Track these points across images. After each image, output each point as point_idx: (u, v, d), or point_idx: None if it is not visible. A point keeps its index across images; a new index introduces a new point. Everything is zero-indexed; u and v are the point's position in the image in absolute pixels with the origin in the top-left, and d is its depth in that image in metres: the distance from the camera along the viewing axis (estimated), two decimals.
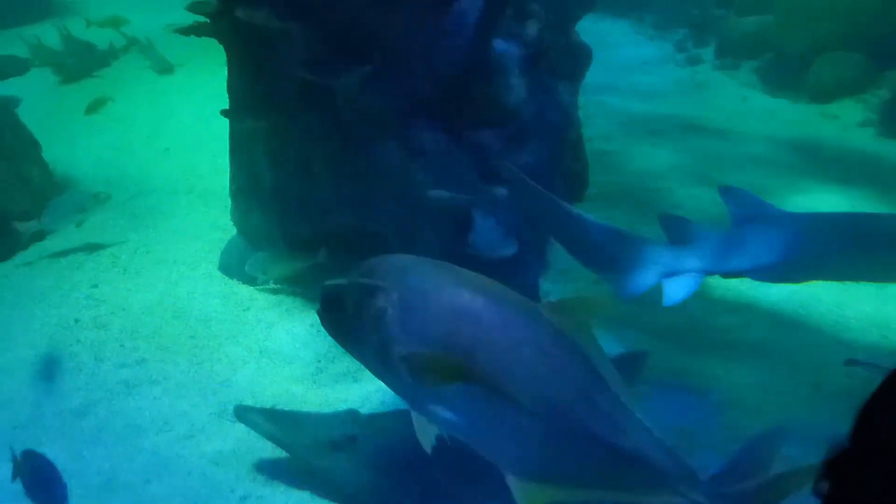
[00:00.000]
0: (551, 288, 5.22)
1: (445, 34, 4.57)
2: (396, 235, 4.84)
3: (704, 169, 6.68)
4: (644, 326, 4.89)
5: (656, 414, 2.81)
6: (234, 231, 5.70)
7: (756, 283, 4.18)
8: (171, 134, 7.53)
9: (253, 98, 5.09)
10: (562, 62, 5.95)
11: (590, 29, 6.28)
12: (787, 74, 8.11)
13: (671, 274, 4.03)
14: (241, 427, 4.04)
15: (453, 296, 2.75)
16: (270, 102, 4.97)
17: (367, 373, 3.03)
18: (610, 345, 4.54)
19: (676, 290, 3.98)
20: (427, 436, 2.82)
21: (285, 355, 4.75)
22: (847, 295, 5.09)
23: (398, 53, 4.50)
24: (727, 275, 4.11)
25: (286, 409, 4.25)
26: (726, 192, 4.04)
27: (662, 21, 9.36)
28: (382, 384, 2.98)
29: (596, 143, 6.77)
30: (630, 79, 8.07)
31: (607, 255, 4.14)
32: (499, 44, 5.05)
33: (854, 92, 7.72)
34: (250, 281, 5.42)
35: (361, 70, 4.46)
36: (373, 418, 4.07)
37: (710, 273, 4.08)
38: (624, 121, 7.35)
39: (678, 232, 4.07)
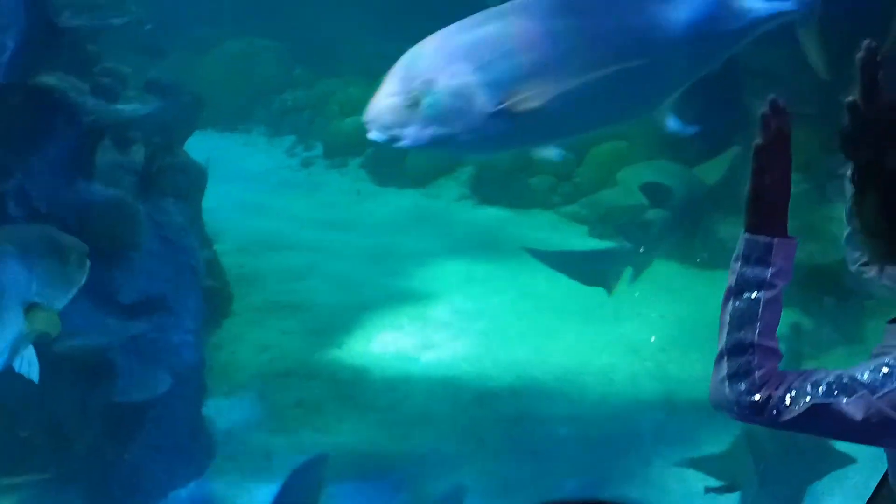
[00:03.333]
0: None
1: None
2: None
3: (345, 267, 6.85)
4: None
5: None
6: None
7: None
8: None
9: None
10: (177, 183, 5.79)
11: (200, 147, 6.21)
12: (389, 165, 8.86)
13: None
14: None
15: None
16: None
17: None
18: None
19: None
20: None
21: None
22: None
23: None
24: None
25: None
26: None
27: (272, 131, 9.62)
28: None
29: (233, 257, 6.66)
30: (254, 188, 8.12)
31: None
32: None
33: (447, 172, 8.77)
34: None
35: None
36: None
37: None
38: (256, 231, 7.32)
39: None
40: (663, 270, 6.56)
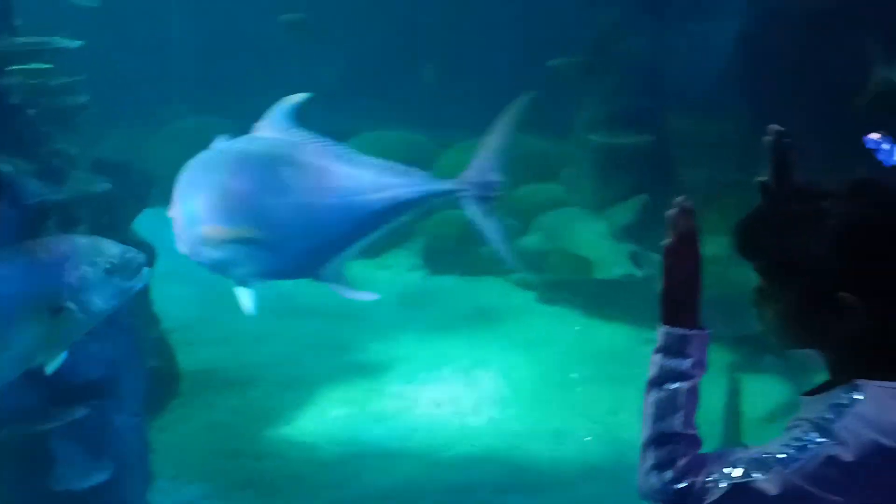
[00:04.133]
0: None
1: None
2: None
3: (296, 343, 6.77)
4: None
5: None
6: None
7: None
8: None
9: None
10: None
11: (150, 224, 6.15)
12: None
13: None
14: None
15: None
16: None
17: None
18: None
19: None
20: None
21: None
22: None
23: None
24: None
25: None
26: None
27: None
28: None
29: (181, 335, 6.56)
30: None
31: None
32: None
33: (398, 244, 8.84)
34: None
35: None
36: None
37: None
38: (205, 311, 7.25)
39: None
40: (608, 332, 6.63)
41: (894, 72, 5.93)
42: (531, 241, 7.81)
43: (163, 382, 5.57)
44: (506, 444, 5.41)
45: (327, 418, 5.76)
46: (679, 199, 1.82)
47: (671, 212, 1.79)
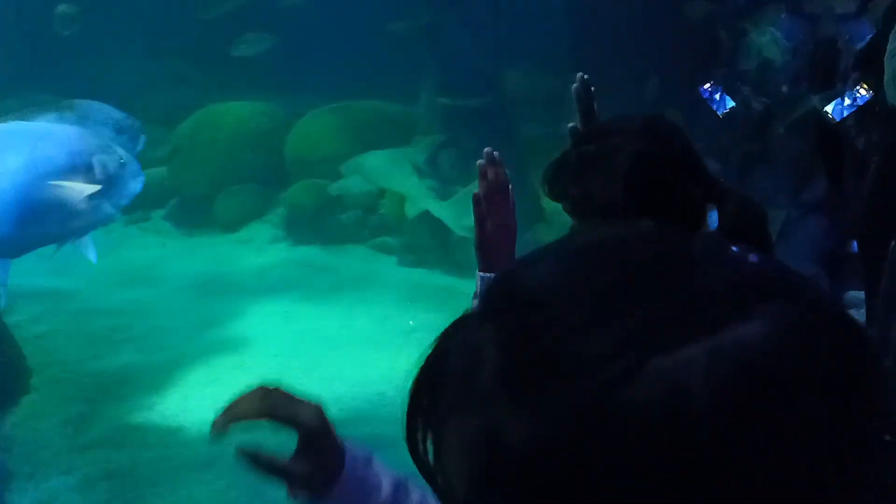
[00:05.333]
0: None
1: None
2: None
3: (154, 326, 6.60)
4: None
5: None
6: None
7: None
8: None
9: None
10: None
11: None
12: (196, 214, 8.80)
13: None
14: None
15: None
16: None
17: None
18: None
19: None
20: None
21: None
22: None
23: None
24: None
25: None
26: None
27: None
28: None
29: (29, 328, 6.29)
30: (48, 250, 7.70)
31: None
32: None
33: (258, 216, 8.81)
34: None
35: None
36: None
37: None
38: (52, 297, 6.95)
39: None
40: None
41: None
42: (352, 182, 7.86)
43: (11, 378, 5.34)
44: (372, 404, 5.45)
45: (190, 399, 5.64)
46: (487, 149, 1.86)
47: (480, 162, 1.83)
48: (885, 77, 3.75)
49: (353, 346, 6.29)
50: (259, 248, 8.46)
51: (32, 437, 5.19)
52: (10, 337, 5.58)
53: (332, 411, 1.33)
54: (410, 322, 6.49)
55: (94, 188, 4.43)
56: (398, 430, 0.73)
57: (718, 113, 5.96)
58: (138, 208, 8.83)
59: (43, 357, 5.84)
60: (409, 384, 0.69)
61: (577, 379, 0.59)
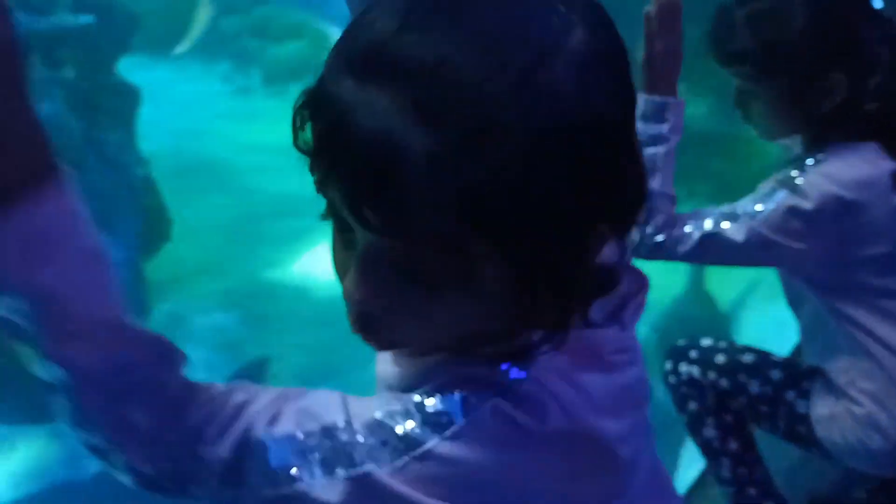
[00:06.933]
0: None
1: None
2: None
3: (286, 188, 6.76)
4: None
5: None
6: None
7: None
8: None
9: None
10: (111, 103, 5.65)
11: (132, 71, 6.04)
12: None
13: None
14: None
15: None
16: None
17: None
18: None
19: None
20: None
21: None
22: None
23: None
24: None
25: None
26: None
27: (207, 57, 9.34)
28: None
29: (170, 182, 6.53)
30: (188, 115, 7.93)
31: None
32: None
33: None
34: None
35: None
36: None
37: None
38: (191, 157, 7.19)
39: None
40: None
41: None
42: None
43: (155, 223, 5.57)
44: None
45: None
46: None
47: None
48: None
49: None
50: None
51: (172, 277, 5.45)
52: (156, 187, 5.77)
53: None
54: None
55: None
56: None
57: None
58: (277, 82, 8.85)
59: (183, 210, 6.02)
60: None
61: None
